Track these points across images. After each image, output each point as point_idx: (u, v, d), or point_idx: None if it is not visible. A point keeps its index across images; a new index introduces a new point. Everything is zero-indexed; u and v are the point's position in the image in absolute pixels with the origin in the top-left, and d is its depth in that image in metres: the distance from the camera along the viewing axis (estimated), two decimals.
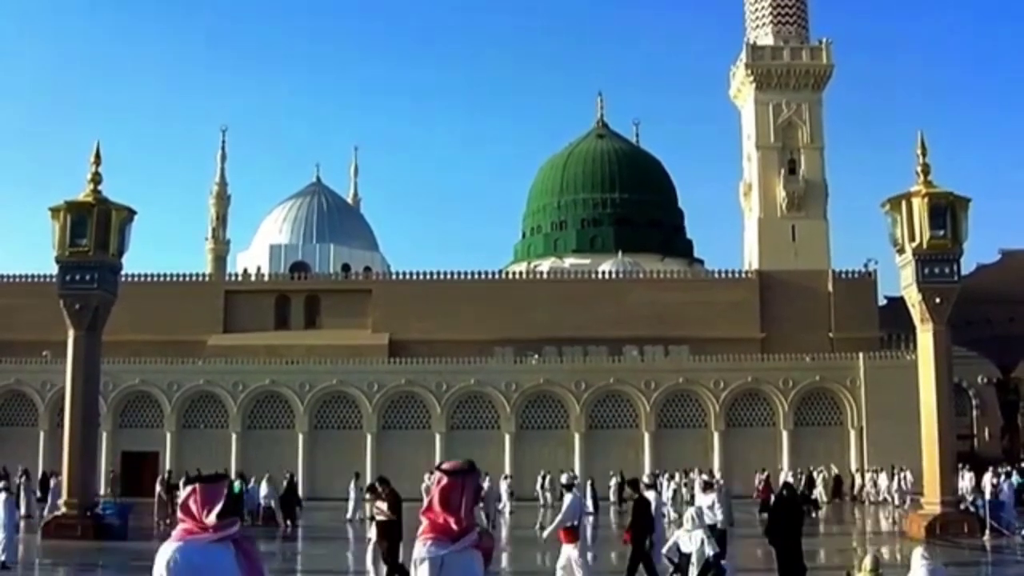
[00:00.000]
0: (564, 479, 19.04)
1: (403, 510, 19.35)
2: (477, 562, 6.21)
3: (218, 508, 5.71)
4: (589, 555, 18.65)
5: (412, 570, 6.18)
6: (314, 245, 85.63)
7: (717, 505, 20.96)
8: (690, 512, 18.97)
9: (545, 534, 17.87)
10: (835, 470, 58.27)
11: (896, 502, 50.70)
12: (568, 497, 18.33)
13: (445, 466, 6.20)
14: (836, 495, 56.67)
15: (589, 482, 48.22)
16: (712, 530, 19.15)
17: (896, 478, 52.80)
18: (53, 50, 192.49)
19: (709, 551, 17.84)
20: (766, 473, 47.93)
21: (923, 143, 33.25)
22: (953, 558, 25.25)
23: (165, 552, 5.67)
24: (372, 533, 20.27)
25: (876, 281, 72.62)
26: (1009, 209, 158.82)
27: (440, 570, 5.97)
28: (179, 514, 5.82)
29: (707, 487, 22.25)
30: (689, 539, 18.24)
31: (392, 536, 19.16)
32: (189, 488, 5.79)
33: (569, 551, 17.44)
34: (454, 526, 6.02)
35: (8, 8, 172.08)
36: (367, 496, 22.13)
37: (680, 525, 20.35)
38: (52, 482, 45.48)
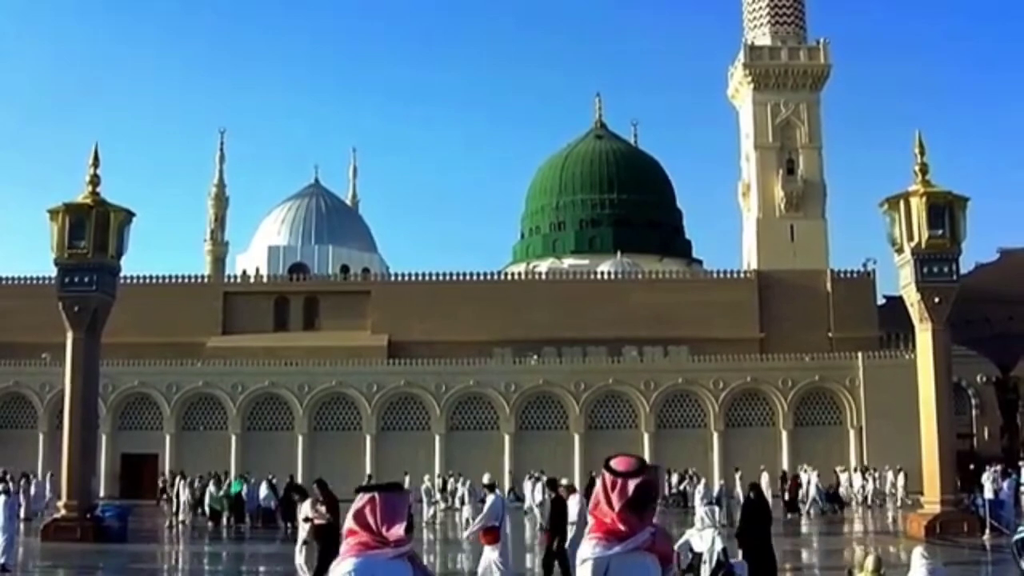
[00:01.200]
0: (485, 479, 18.74)
1: (340, 512, 19.25)
2: (652, 566, 5.62)
3: (403, 522, 5.26)
4: (510, 556, 18.45)
5: (576, 570, 5.72)
6: (313, 246, 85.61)
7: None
8: (702, 512, 19.00)
9: (466, 535, 17.70)
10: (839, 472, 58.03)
11: (870, 502, 50.67)
12: (490, 498, 18.08)
13: (612, 463, 5.67)
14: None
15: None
16: None
17: (872, 478, 52.97)
18: (51, 51, 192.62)
19: (718, 547, 17.87)
20: (789, 472, 48.19)
21: (921, 142, 33.24)
22: (953, 557, 25.26)
23: (343, 567, 5.19)
24: (305, 534, 20.09)
25: (875, 281, 72.77)
26: (1008, 208, 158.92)
27: (606, 573, 5.53)
28: (351, 525, 5.28)
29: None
30: (700, 538, 18.27)
31: (328, 538, 19.05)
32: (365, 497, 5.31)
33: (489, 553, 17.37)
34: (621, 526, 5.53)
35: (6, 9, 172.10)
36: (296, 498, 21.85)
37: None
38: (33, 484, 45.59)
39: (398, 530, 5.21)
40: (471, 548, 32.68)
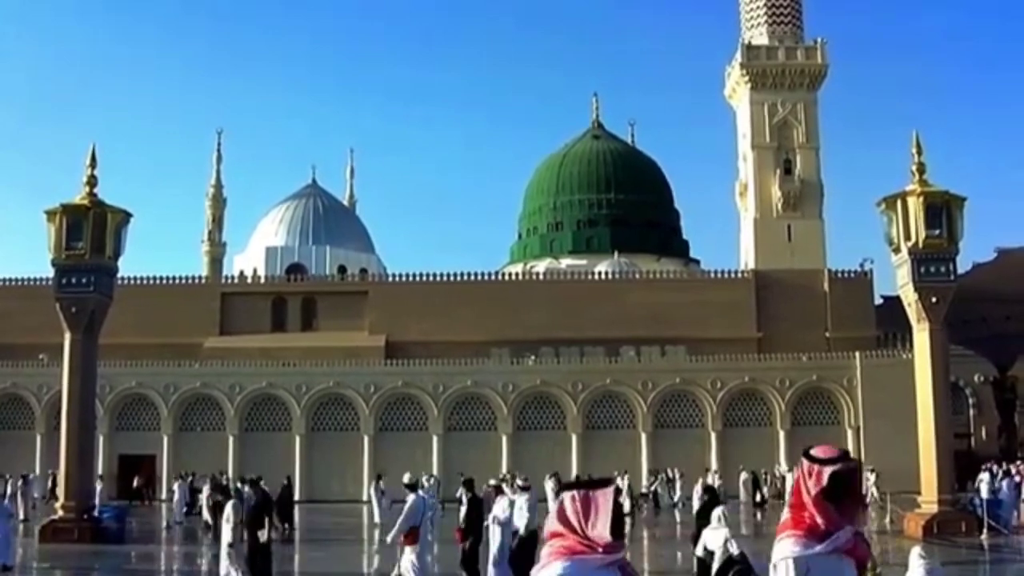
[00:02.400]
0: (405, 479, 18.53)
1: (273, 516, 19.18)
2: (849, 571, 5.20)
3: (608, 522, 4.68)
4: (428, 557, 18.33)
5: (772, 570, 5.29)
6: (310, 247, 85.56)
7: (524, 509, 19.60)
8: (718, 511, 19.02)
9: (389, 538, 17.53)
10: (783, 469, 57.65)
11: None
12: (411, 498, 17.93)
13: (813, 451, 5.25)
14: (780, 496, 55.44)
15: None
16: (515, 536, 18.85)
17: None
18: (49, 51, 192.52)
19: (733, 550, 17.89)
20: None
21: (918, 142, 33.28)
22: (951, 557, 25.27)
23: (550, 571, 4.63)
24: (230, 536, 19.89)
25: (872, 280, 72.74)
26: (1005, 208, 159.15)
27: (807, 575, 5.12)
28: (555, 527, 4.74)
29: (522, 489, 21.18)
30: (714, 537, 18.40)
31: (266, 553, 18.98)
32: (568, 494, 4.77)
33: (408, 553, 17.37)
34: (818, 519, 5.13)
35: (4, 9, 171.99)
36: (219, 498, 21.55)
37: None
38: (8, 485, 45.53)
39: (604, 532, 4.67)
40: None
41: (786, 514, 5.28)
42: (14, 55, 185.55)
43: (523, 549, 18.82)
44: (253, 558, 19.06)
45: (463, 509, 20.28)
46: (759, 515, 41.58)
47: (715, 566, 18.04)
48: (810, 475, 5.18)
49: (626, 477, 49.05)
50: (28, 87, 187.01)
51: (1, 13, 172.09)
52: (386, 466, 51.70)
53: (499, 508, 19.75)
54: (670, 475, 56.04)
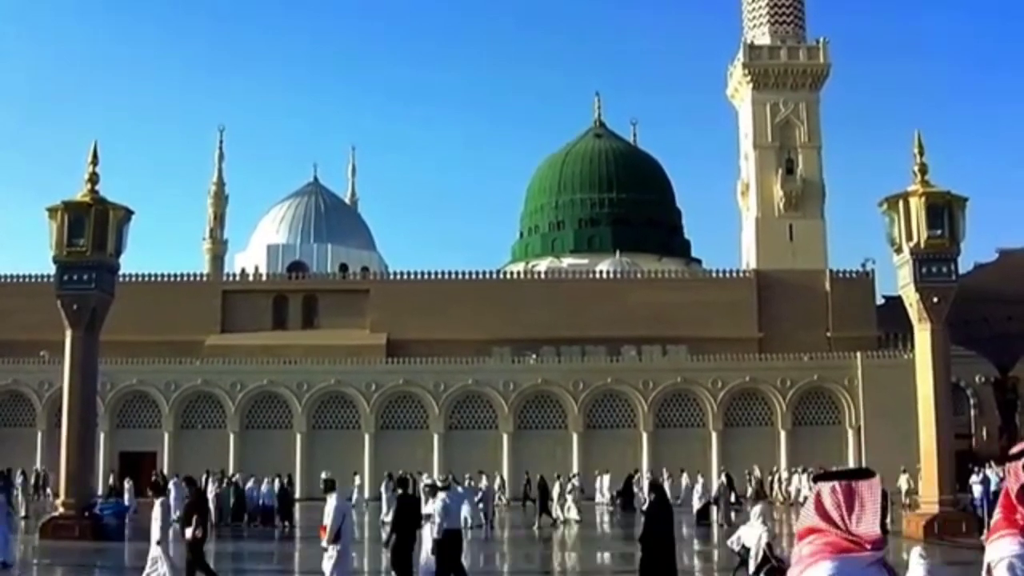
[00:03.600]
0: (324, 476, 18.39)
1: (207, 515, 19.20)
2: None
3: (876, 516, 4.26)
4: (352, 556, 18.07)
5: (986, 571, 4.84)
6: (312, 245, 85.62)
7: (438, 512, 19.16)
8: (757, 509, 19.19)
9: (324, 542, 17.48)
10: (757, 471, 57.53)
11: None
12: (331, 499, 17.79)
13: (1012, 450, 4.86)
14: (759, 496, 55.30)
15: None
16: (448, 533, 18.70)
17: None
18: (50, 50, 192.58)
19: (765, 544, 18.03)
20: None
21: (920, 142, 33.25)
22: (951, 558, 25.27)
23: (818, 571, 4.16)
24: (157, 533, 19.90)
25: (874, 280, 72.73)
26: (1007, 208, 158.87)
27: None
28: (812, 521, 4.30)
29: (436, 490, 20.85)
30: (750, 534, 18.55)
31: (198, 553, 19.04)
32: (828, 485, 4.32)
33: (330, 552, 17.30)
34: (1018, 516, 4.76)
35: (5, 8, 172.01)
36: (149, 493, 21.52)
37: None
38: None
39: (872, 527, 4.26)
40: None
41: (998, 514, 4.94)
42: (15, 55, 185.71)
43: (441, 549, 18.75)
44: (193, 554, 19.15)
45: (384, 507, 20.05)
46: (716, 516, 40.62)
47: (752, 563, 18.21)
48: (1012, 473, 4.87)
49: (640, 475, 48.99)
50: (29, 86, 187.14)
51: (2, 13, 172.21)
52: (390, 465, 51.76)
53: (431, 507, 19.71)
54: (651, 476, 55.47)
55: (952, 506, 31.83)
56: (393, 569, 18.71)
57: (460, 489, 40.30)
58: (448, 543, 18.74)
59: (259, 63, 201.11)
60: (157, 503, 20.02)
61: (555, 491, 44.76)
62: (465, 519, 38.97)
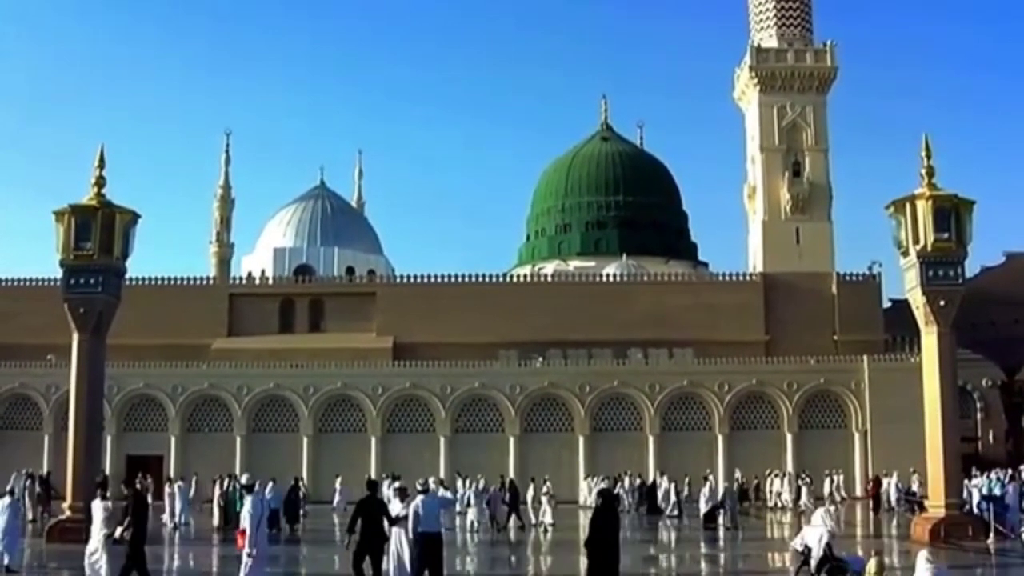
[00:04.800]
0: (243, 480, 18.32)
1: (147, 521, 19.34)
2: None
3: None
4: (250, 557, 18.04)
5: None
6: (318, 248, 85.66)
7: (411, 514, 19.08)
8: (820, 511, 19.47)
9: (247, 546, 17.42)
10: (738, 474, 57.22)
11: (802, 507, 49.96)
12: (248, 500, 17.81)
13: None
14: (741, 500, 54.86)
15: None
16: (424, 537, 18.68)
17: (794, 484, 53.08)
18: (56, 53, 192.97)
19: (827, 545, 18.28)
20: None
21: (927, 146, 33.23)
22: (957, 561, 25.23)
23: None
24: (106, 530, 19.98)
25: (880, 284, 72.65)
26: (1014, 212, 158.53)
27: None
28: None
29: (406, 493, 20.35)
30: (812, 534, 18.82)
31: (138, 534, 19.15)
32: None
33: (245, 553, 17.37)
34: None
35: (9, 10, 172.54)
36: (98, 493, 21.64)
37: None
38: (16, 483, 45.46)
39: None
40: (477, 550, 32.71)
41: None
42: (20, 56, 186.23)
43: (417, 551, 18.73)
44: (131, 554, 19.30)
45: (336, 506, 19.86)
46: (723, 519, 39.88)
47: (813, 562, 18.52)
48: None
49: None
50: (33, 88, 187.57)
51: (5, 14, 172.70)
52: (397, 468, 51.82)
53: (398, 508, 19.67)
54: (638, 479, 55.21)
55: (959, 509, 31.78)
56: (352, 570, 18.73)
57: (446, 492, 40.52)
58: (423, 546, 18.71)
59: (266, 66, 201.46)
60: (99, 503, 20.20)
61: (530, 494, 44.95)
62: (472, 522, 39.19)
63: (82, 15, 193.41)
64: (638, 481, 53.91)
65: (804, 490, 52.67)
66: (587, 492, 53.12)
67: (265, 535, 18.52)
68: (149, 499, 43.43)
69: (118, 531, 19.28)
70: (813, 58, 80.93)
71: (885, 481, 52.44)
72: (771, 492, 54.27)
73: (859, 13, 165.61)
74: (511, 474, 56.83)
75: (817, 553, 18.54)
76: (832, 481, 55.21)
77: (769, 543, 36.48)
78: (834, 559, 18.41)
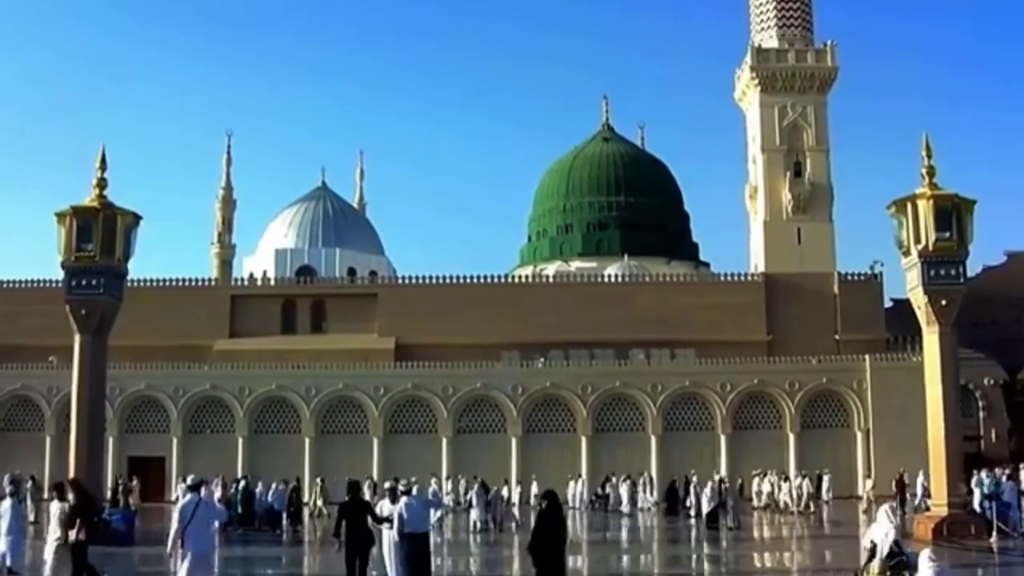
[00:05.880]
0: (188, 480, 18.30)
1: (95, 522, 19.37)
2: None
3: None
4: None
5: None
6: (320, 249, 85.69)
7: (396, 515, 19.13)
8: (884, 508, 19.74)
9: (168, 547, 17.40)
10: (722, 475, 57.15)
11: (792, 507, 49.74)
12: (181, 501, 17.78)
13: None
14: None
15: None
16: (410, 538, 18.77)
17: (780, 483, 52.95)
18: (58, 54, 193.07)
19: (892, 541, 18.52)
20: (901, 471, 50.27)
21: (928, 145, 33.19)
22: (960, 560, 25.23)
23: None
24: (58, 532, 19.93)
25: (882, 283, 72.62)
26: (1015, 211, 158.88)
27: None
28: None
29: (393, 494, 20.41)
30: (878, 530, 19.04)
31: (81, 557, 19.17)
32: None
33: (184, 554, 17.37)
34: None
35: (10, 10, 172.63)
36: (53, 494, 21.57)
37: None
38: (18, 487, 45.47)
39: None
40: (478, 550, 32.72)
41: None
42: (21, 57, 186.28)
43: (404, 551, 18.78)
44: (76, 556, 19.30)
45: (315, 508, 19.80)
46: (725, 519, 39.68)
47: (877, 559, 18.73)
48: None
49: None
50: (36, 89, 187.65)
51: (6, 13, 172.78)
52: (399, 469, 51.78)
53: (385, 508, 19.75)
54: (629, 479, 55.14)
55: (961, 508, 31.77)
56: (346, 570, 18.82)
57: (434, 491, 40.59)
58: (410, 546, 18.80)
59: (267, 67, 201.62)
60: (56, 505, 20.23)
61: (532, 491, 44.97)
62: (474, 522, 39.23)
63: (83, 16, 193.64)
64: (641, 480, 53.94)
65: (806, 490, 52.57)
66: (573, 493, 53.37)
67: (210, 537, 18.38)
68: (136, 500, 43.85)
69: (71, 534, 19.23)
70: (814, 58, 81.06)
71: (910, 479, 51.50)
72: (756, 493, 53.99)
73: (859, 12, 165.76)
74: (512, 475, 56.97)
75: (883, 549, 18.74)
76: (813, 481, 54.79)
77: (775, 543, 36.40)
78: (903, 555, 18.65)
